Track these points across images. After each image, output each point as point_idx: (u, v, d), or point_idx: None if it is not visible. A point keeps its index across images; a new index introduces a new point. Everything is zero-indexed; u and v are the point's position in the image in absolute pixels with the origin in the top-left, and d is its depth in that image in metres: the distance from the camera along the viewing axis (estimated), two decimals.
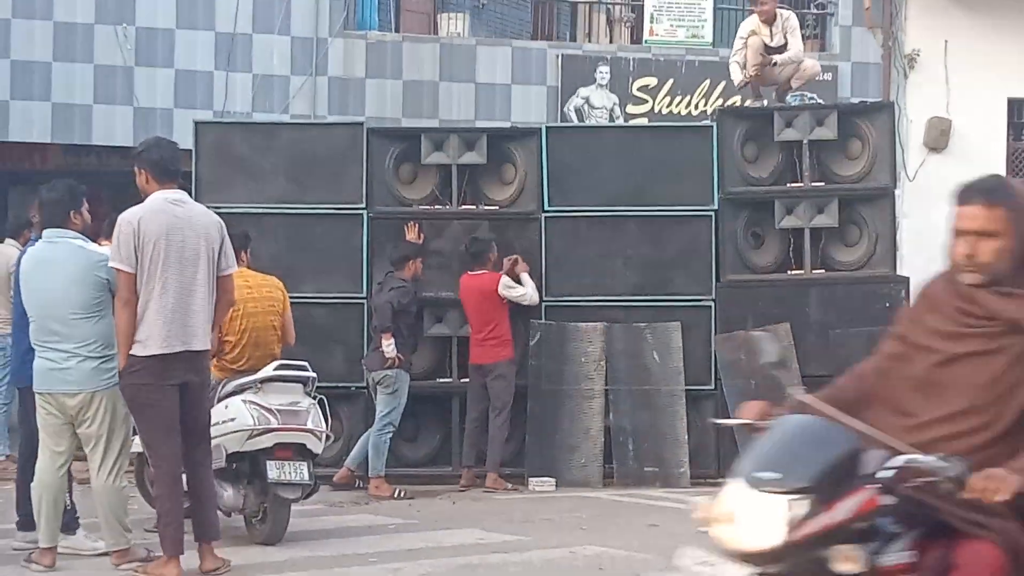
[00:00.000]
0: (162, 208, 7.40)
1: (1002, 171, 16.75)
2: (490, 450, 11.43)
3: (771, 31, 12.82)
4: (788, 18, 13.02)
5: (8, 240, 11.83)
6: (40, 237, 8.00)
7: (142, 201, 7.50)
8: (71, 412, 7.58)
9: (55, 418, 7.62)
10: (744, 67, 12.79)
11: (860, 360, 12.22)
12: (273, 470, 8.07)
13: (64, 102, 14.68)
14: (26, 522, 8.11)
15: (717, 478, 10.91)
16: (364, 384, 11.29)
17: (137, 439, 8.98)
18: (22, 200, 13.80)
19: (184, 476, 7.60)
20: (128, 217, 7.35)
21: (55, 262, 7.70)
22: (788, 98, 12.72)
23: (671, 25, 16.28)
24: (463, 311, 11.78)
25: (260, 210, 11.45)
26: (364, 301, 11.51)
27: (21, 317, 8.07)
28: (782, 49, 12.82)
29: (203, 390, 7.71)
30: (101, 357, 7.60)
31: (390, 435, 11.02)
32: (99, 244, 8.50)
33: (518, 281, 11.45)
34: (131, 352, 7.26)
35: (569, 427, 11.74)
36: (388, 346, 10.80)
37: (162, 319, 7.28)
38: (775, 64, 12.69)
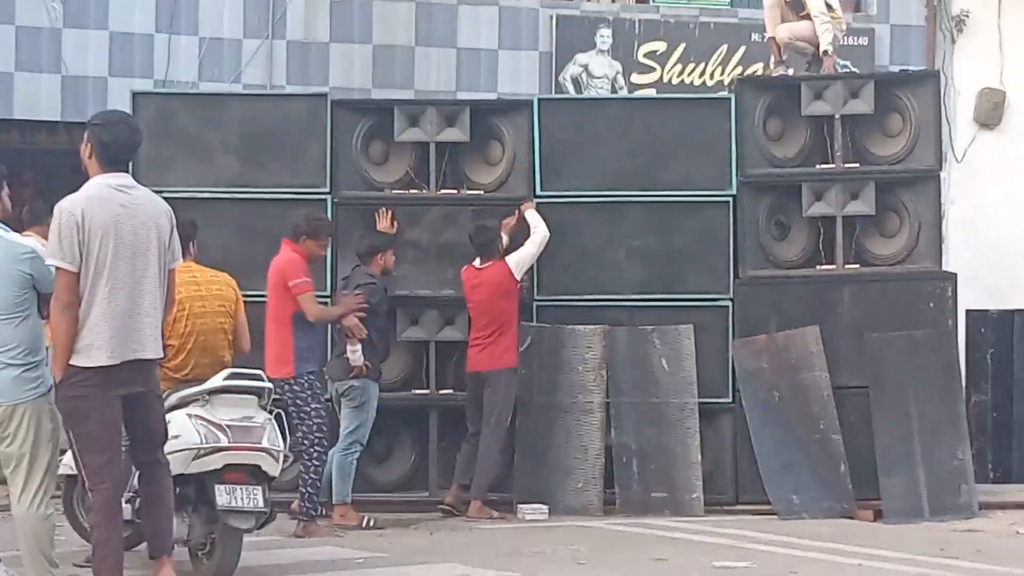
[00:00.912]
0: (108, 196, 7.32)
1: None
2: (477, 472, 11.41)
3: None
4: None
5: None
6: None
7: (79, 174, 7.46)
8: None
9: None
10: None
11: (899, 369, 12.39)
12: (223, 495, 8.05)
13: None
14: None
15: (735, 505, 10.95)
16: (328, 396, 11.26)
17: (66, 458, 8.99)
18: None
19: (129, 501, 7.64)
20: (69, 207, 7.22)
21: None
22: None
23: None
24: (444, 312, 11.88)
25: (208, 194, 11.49)
26: (328, 300, 11.50)
27: None
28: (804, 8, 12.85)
29: (156, 399, 7.64)
30: (24, 365, 7.56)
31: (357, 455, 11.00)
32: (22, 234, 8.47)
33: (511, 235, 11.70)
34: (71, 362, 7.20)
35: (564, 446, 11.76)
36: (354, 352, 10.77)
37: (109, 325, 7.20)
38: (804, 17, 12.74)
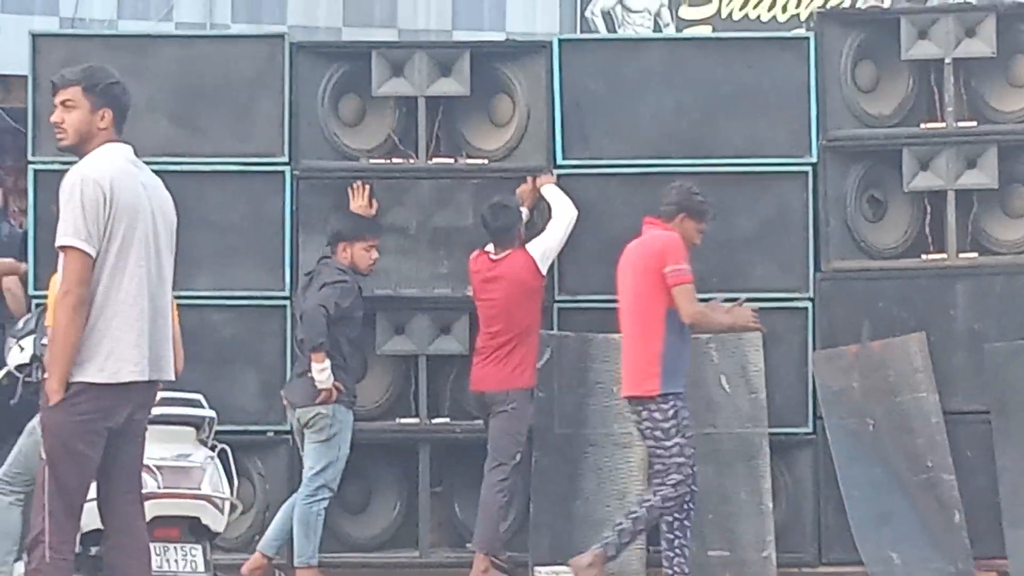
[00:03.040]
0: (130, 172, 7.45)
1: None
2: (480, 522, 11.37)
3: None
4: None
5: None
6: None
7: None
8: None
9: None
10: None
11: None
12: (152, 556, 8.06)
13: None
14: None
15: (817, 566, 10.94)
16: (287, 427, 11.29)
17: None
18: None
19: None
20: (94, 176, 7.25)
21: None
22: None
23: None
24: (437, 318, 11.93)
25: None
26: (287, 302, 11.53)
27: None
28: None
29: (145, 428, 7.72)
30: None
31: (325, 503, 10.97)
32: None
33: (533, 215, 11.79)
34: (78, 378, 7.22)
35: (595, 490, 11.79)
36: (321, 371, 10.74)
37: (135, 331, 7.32)
38: None
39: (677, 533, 10.39)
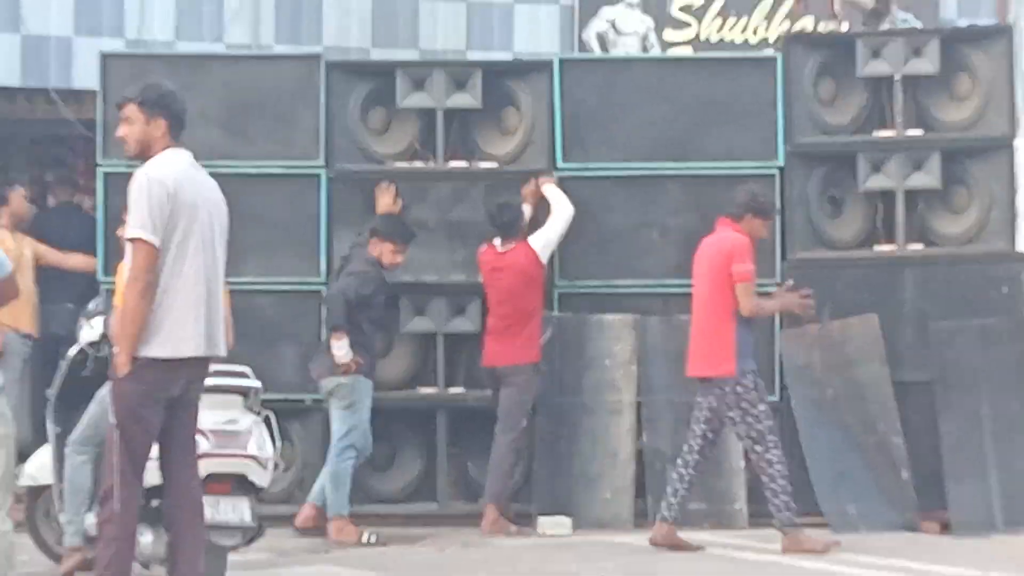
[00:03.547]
0: (191, 174, 7.52)
1: None
2: (490, 478, 11.45)
3: None
4: None
5: None
6: None
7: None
8: None
9: None
10: None
11: (969, 362, 12.36)
12: (205, 508, 8.05)
13: None
14: None
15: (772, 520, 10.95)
16: (322, 396, 11.30)
17: (28, 467, 9.02)
18: None
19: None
20: (159, 176, 7.34)
21: None
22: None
23: None
24: (453, 301, 11.94)
25: None
26: (322, 287, 11.54)
27: None
28: None
29: (199, 397, 7.80)
30: None
31: (352, 462, 11.00)
32: None
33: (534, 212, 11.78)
34: (143, 353, 7.30)
35: (590, 451, 11.81)
36: (339, 348, 10.79)
37: (195, 313, 7.39)
38: None
39: (782, 482, 10.39)
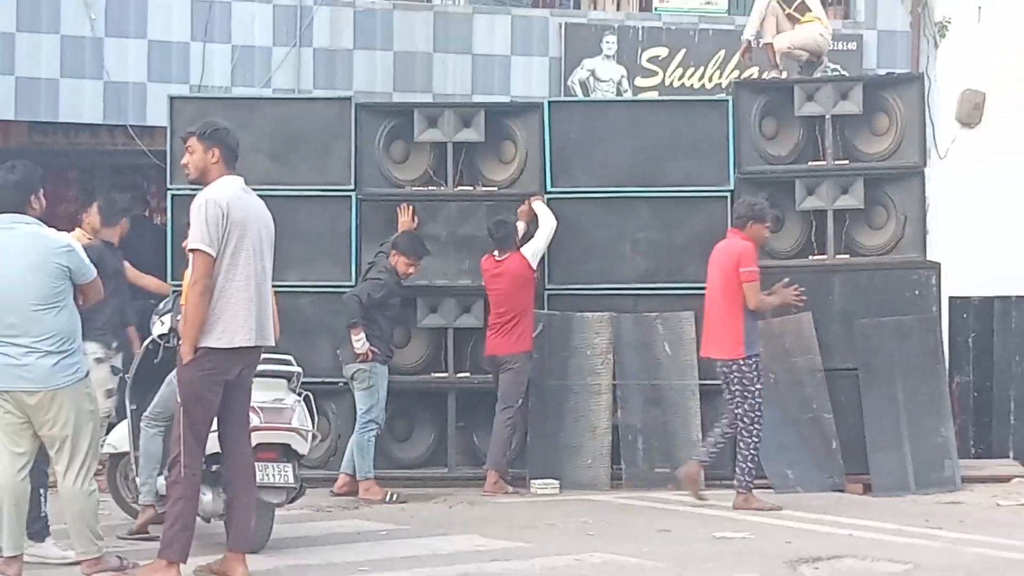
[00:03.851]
0: (242, 196, 7.53)
1: None
2: (491, 447, 11.45)
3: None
4: None
5: None
6: None
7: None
8: (30, 411, 7.57)
9: (14, 417, 7.54)
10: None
11: (887, 352, 12.37)
12: (256, 472, 8.04)
13: (28, 76, 14.65)
14: None
15: (733, 479, 10.92)
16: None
17: (110, 438, 9.01)
18: None
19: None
20: (215, 198, 7.38)
21: (12, 249, 7.60)
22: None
23: None
24: (461, 301, 11.89)
25: None
26: (351, 286, 11.49)
27: None
28: (798, 12, 12.81)
29: (251, 380, 7.84)
30: (62, 352, 7.55)
31: (374, 433, 11.00)
32: (83, 231, 8.47)
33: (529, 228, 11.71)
34: (205, 344, 7.34)
35: (573, 425, 11.78)
36: (357, 340, 10.81)
37: (245, 310, 7.43)
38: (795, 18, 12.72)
39: (752, 451, 10.47)
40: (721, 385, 10.68)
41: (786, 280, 10.84)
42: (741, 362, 10.40)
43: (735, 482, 10.50)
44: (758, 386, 10.44)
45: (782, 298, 10.73)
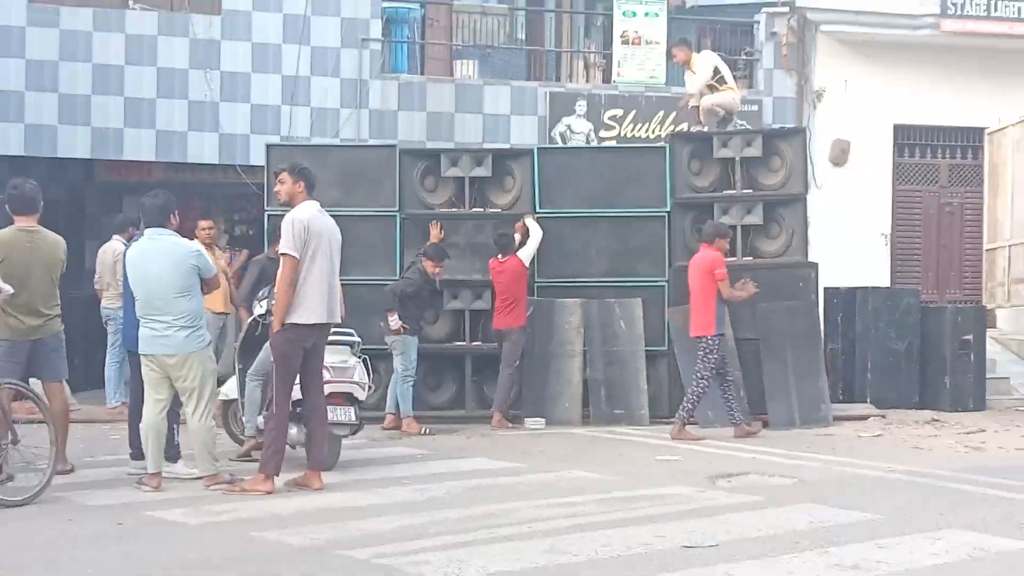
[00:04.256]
0: (318, 216, 7.61)
1: (889, 182, 16.80)
2: (497, 396, 11.44)
3: (688, 66, 12.85)
4: (703, 56, 13.05)
5: (114, 236, 12.00)
6: (143, 235, 7.95)
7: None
8: (168, 370, 7.61)
9: (156, 373, 7.65)
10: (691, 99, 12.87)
11: (780, 327, 12.25)
12: (328, 413, 8.04)
13: (166, 129, 14.62)
14: (137, 454, 8.19)
15: (670, 418, 10.93)
16: None
17: (224, 388, 9.02)
18: (132, 205, 13.80)
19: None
20: (301, 218, 7.47)
21: (157, 253, 7.68)
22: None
23: (634, 68, 16.22)
24: (475, 290, 11.84)
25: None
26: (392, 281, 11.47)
27: (128, 296, 8.06)
28: (719, 82, 12.77)
29: (324, 346, 7.87)
30: (191, 327, 7.62)
31: (410, 384, 11.02)
32: (208, 249, 8.48)
33: (524, 239, 11.63)
34: (290, 320, 7.43)
35: (555, 379, 11.73)
36: (392, 320, 10.84)
37: (320, 297, 7.50)
38: (715, 88, 12.69)
39: (695, 399, 10.54)
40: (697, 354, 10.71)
41: (746, 278, 10.81)
42: (709, 339, 10.45)
43: (676, 417, 10.53)
44: (717, 356, 10.47)
45: (747, 292, 10.71)
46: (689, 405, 10.52)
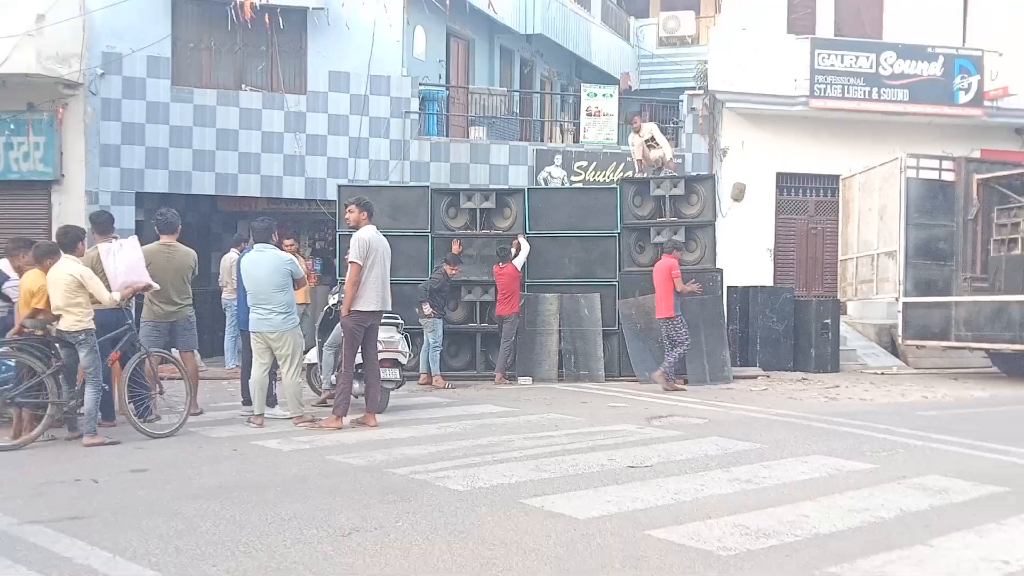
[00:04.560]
0: (375, 235, 7.57)
1: (772, 213, 16.82)
2: (499, 361, 11.39)
3: (639, 135, 12.93)
4: (649, 125, 13.26)
5: (232, 249, 12.04)
6: (252, 247, 7.96)
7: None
8: (269, 342, 7.59)
9: (260, 344, 7.67)
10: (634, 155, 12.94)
11: (697, 312, 12.11)
12: (381, 372, 8.04)
13: (267, 174, 14.59)
14: (246, 401, 8.21)
15: (619, 376, 10.92)
16: None
17: (309, 354, 9.03)
18: (244, 227, 13.80)
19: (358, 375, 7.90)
20: (364, 236, 7.46)
21: (263, 261, 7.69)
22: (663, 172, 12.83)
23: (595, 132, 16.22)
24: (483, 287, 11.75)
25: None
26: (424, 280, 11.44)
27: (241, 291, 8.09)
28: (652, 143, 12.89)
29: (379, 326, 7.79)
30: (286, 312, 7.63)
31: (438, 352, 10.96)
32: (301, 259, 8.49)
33: (517, 251, 11.59)
34: (354, 308, 7.39)
35: (540, 350, 11.67)
36: (425, 307, 10.81)
37: (375, 292, 7.45)
38: (650, 147, 12.78)
39: (675, 359, 10.62)
40: (662, 332, 10.78)
41: (695, 279, 10.91)
42: (671, 320, 10.56)
43: (664, 374, 10.55)
44: (683, 328, 10.60)
45: (693, 288, 10.80)
46: (670, 365, 10.57)
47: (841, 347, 13.44)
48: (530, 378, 11.40)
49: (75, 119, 13.75)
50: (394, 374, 8.52)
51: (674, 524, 4.45)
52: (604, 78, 20.56)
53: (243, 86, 14.64)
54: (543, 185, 15.45)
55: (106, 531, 4.32)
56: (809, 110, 16.22)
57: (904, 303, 12.93)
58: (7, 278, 7.45)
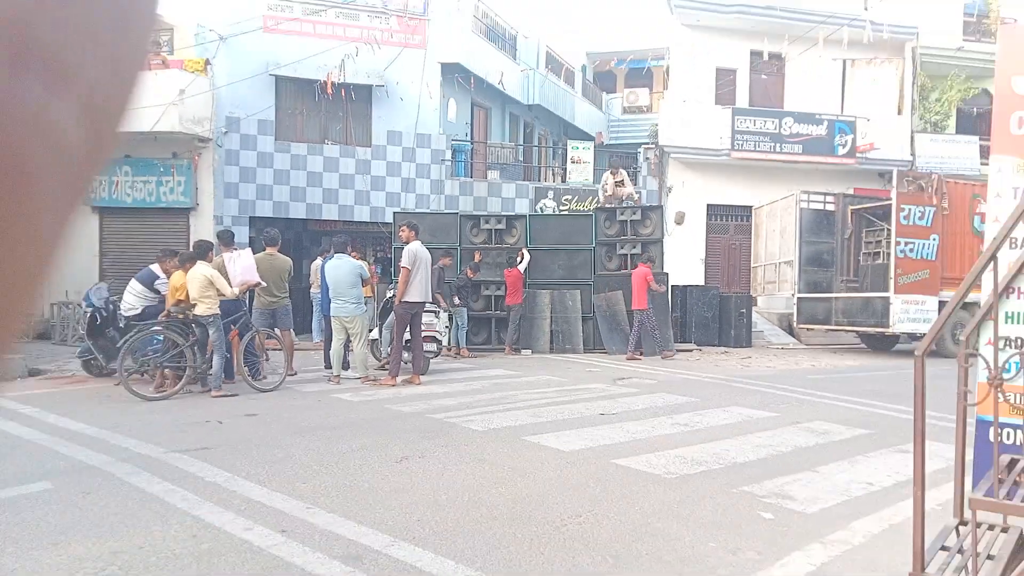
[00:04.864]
0: (422, 248, 7.46)
1: (704, 233, 16.72)
2: (508, 338, 11.29)
3: (614, 177, 12.79)
4: (622, 171, 13.03)
5: (318, 257, 12.00)
6: (333, 256, 7.93)
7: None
8: (344, 324, 7.56)
9: (338, 324, 7.64)
10: (604, 192, 12.80)
11: (651, 303, 11.91)
12: (425, 345, 8.01)
13: (343, 204, 14.57)
14: (327, 365, 8.14)
15: (593, 350, 10.86)
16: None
17: (372, 332, 9.00)
18: (327, 242, 13.80)
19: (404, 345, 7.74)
20: (413, 248, 7.34)
21: (340, 266, 7.66)
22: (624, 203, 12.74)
23: (577, 175, 16.16)
24: (497, 284, 11.64)
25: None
26: (451, 283, 11.39)
27: (324, 287, 8.06)
28: (621, 184, 12.78)
29: (423, 312, 7.66)
30: (356, 302, 7.59)
31: (465, 331, 10.89)
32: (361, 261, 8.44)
33: (521, 259, 11.48)
34: (404, 299, 7.27)
35: (537, 330, 11.58)
36: (455, 300, 10.68)
37: (421, 288, 7.35)
38: (619, 186, 12.67)
39: (645, 331, 10.43)
40: (636, 318, 10.51)
41: (660, 283, 10.74)
42: (644, 312, 10.38)
43: (638, 352, 10.42)
44: (650, 316, 10.40)
45: (659, 288, 10.66)
46: (653, 342, 10.43)
47: (753, 329, 13.37)
48: (530, 350, 11.36)
49: (206, 164, 13.79)
50: (432, 347, 8.49)
51: (632, 455, 4.45)
52: (584, 136, 20.48)
53: (326, 141, 14.62)
54: (540, 212, 15.39)
55: (226, 458, 4.35)
56: (731, 159, 16.13)
57: (798, 298, 12.89)
58: (158, 277, 7.49)
